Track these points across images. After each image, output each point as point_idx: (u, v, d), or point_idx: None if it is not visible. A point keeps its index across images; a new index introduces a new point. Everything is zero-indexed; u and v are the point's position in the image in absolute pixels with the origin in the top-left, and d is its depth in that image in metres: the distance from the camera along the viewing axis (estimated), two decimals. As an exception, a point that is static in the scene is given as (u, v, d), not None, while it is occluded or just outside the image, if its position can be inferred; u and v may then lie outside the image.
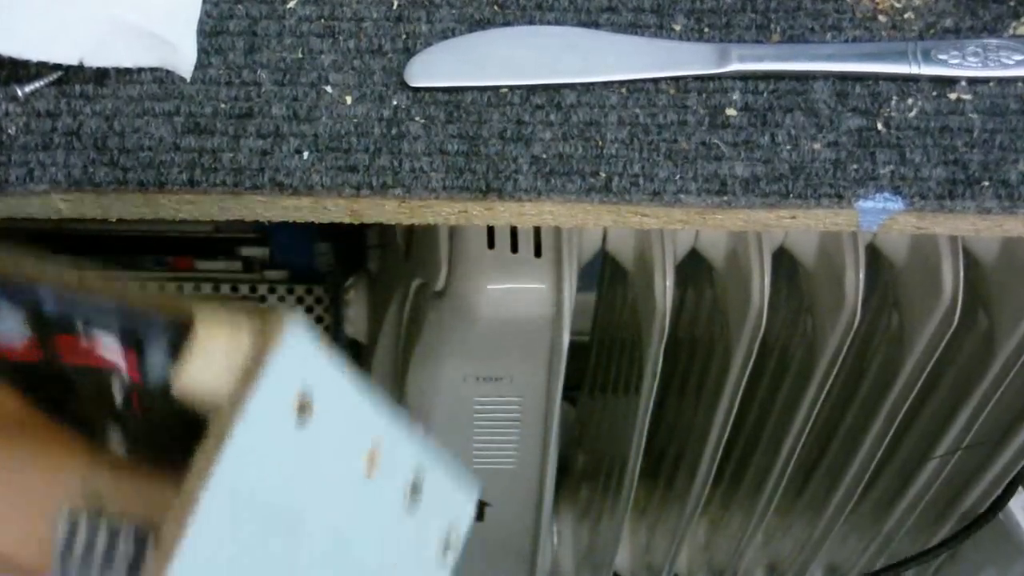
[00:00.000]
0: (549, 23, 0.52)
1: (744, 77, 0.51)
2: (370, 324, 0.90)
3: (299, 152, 0.47)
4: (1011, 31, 0.52)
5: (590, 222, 0.49)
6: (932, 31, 0.52)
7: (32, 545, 0.33)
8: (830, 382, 0.75)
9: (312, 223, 0.49)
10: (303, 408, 0.31)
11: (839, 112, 0.50)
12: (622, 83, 0.50)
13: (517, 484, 0.78)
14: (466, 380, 0.73)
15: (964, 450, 0.76)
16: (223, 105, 0.48)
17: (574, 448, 1.02)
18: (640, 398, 0.73)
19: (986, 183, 0.48)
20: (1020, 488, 0.70)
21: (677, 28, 0.52)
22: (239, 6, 0.51)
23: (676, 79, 0.50)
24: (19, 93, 0.47)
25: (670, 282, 0.64)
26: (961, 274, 0.62)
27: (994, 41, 0.51)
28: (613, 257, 0.69)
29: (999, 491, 0.66)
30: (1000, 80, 0.50)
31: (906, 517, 0.87)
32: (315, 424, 0.32)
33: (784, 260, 0.67)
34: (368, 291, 0.91)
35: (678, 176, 0.48)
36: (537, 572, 0.89)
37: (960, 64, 0.51)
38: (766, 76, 0.51)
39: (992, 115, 0.50)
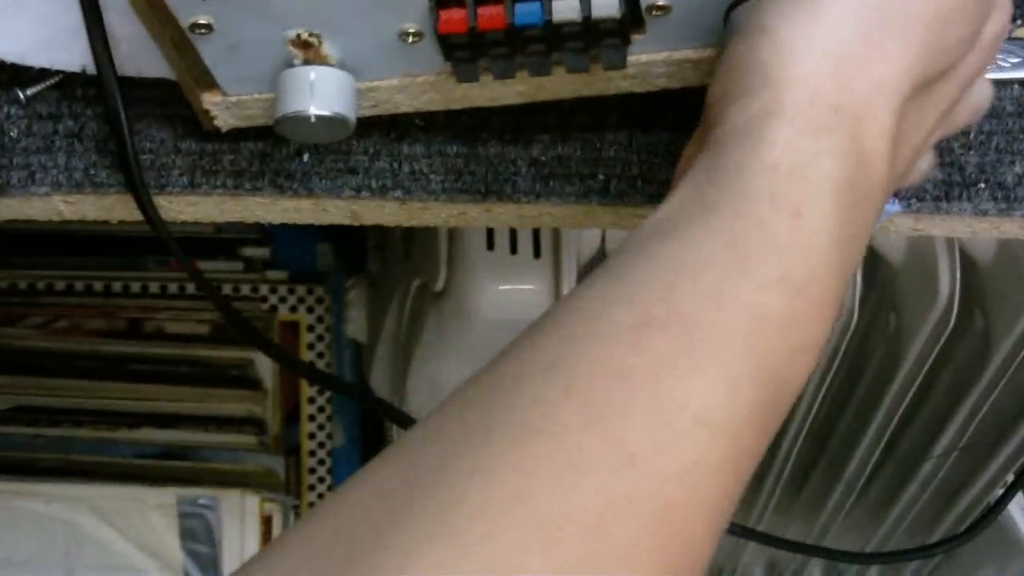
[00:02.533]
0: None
1: (742, 79, 0.51)
2: (370, 324, 0.90)
3: (299, 154, 0.47)
4: (1008, 34, 0.52)
5: (589, 224, 0.49)
6: (929, 34, 0.52)
7: None
8: (828, 382, 0.75)
9: (313, 224, 0.49)
10: None
11: (836, 114, 0.50)
12: (620, 85, 0.50)
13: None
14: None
15: (961, 450, 0.76)
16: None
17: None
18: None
19: (982, 185, 0.48)
20: (1020, 490, 0.70)
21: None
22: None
23: (674, 81, 0.50)
24: (21, 96, 0.47)
25: (669, 283, 0.64)
26: (958, 275, 0.62)
27: (991, 43, 0.51)
28: (612, 258, 0.69)
29: (1000, 493, 0.66)
30: (997, 82, 0.51)
31: (904, 516, 0.87)
32: None
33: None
34: (368, 291, 0.91)
35: (676, 178, 0.48)
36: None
37: (957, 66, 0.51)
38: (763, 78, 0.51)
39: (988, 117, 0.50)
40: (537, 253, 0.67)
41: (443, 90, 0.43)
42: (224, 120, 0.44)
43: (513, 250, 0.67)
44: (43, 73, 0.46)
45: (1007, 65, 0.51)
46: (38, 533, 1.04)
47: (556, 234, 0.67)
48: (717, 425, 0.29)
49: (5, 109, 0.47)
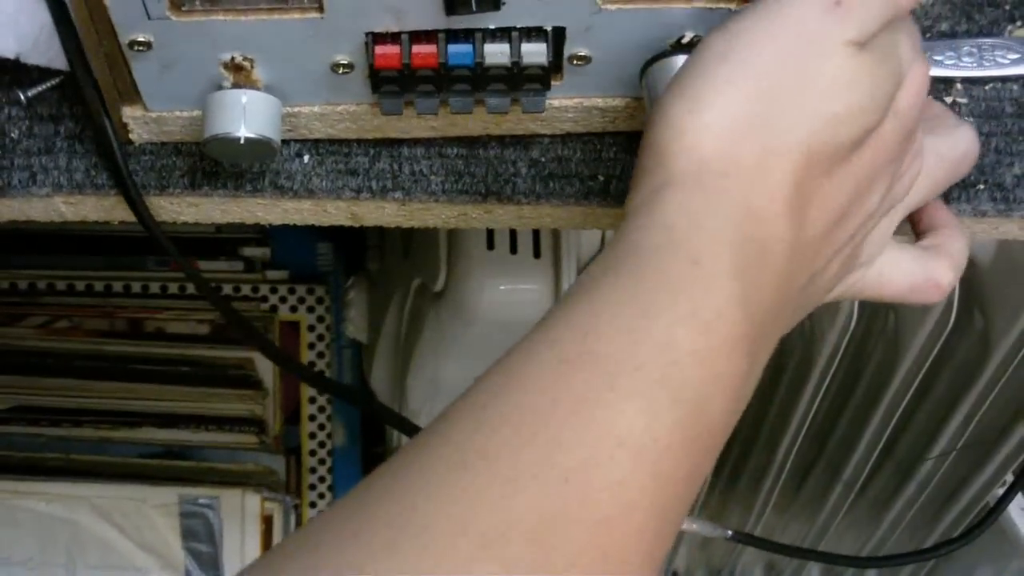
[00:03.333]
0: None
1: (741, 80, 0.51)
2: (370, 324, 0.91)
3: (299, 155, 0.47)
4: (1007, 35, 0.52)
5: (589, 225, 0.49)
6: (928, 35, 0.52)
7: None
8: (827, 382, 0.75)
9: (313, 224, 0.49)
10: None
11: (835, 115, 0.50)
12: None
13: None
14: (467, 381, 0.73)
15: (959, 450, 0.76)
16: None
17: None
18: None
19: (981, 186, 0.48)
20: (1019, 491, 0.70)
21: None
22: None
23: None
24: (22, 97, 0.47)
25: (668, 283, 0.64)
26: (957, 275, 0.62)
27: (989, 41, 0.51)
28: (612, 258, 0.69)
29: (999, 494, 0.67)
30: (995, 81, 0.51)
31: (902, 515, 0.87)
32: None
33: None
34: (368, 291, 0.91)
35: (675, 179, 0.48)
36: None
37: (955, 64, 0.51)
38: (763, 79, 0.51)
39: (988, 118, 0.50)
40: (537, 253, 0.67)
41: (360, 120, 0.45)
42: (140, 135, 0.46)
43: (513, 250, 0.67)
44: (44, 74, 0.46)
45: (1006, 62, 0.51)
46: (39, 532, 1.04)
47: (556, 234, 0.67)
48: (639, 448, 0.31)
49: (6, 110, 0.47)
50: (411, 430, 0.56)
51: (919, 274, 0.42)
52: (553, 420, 0.31)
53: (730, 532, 0.63)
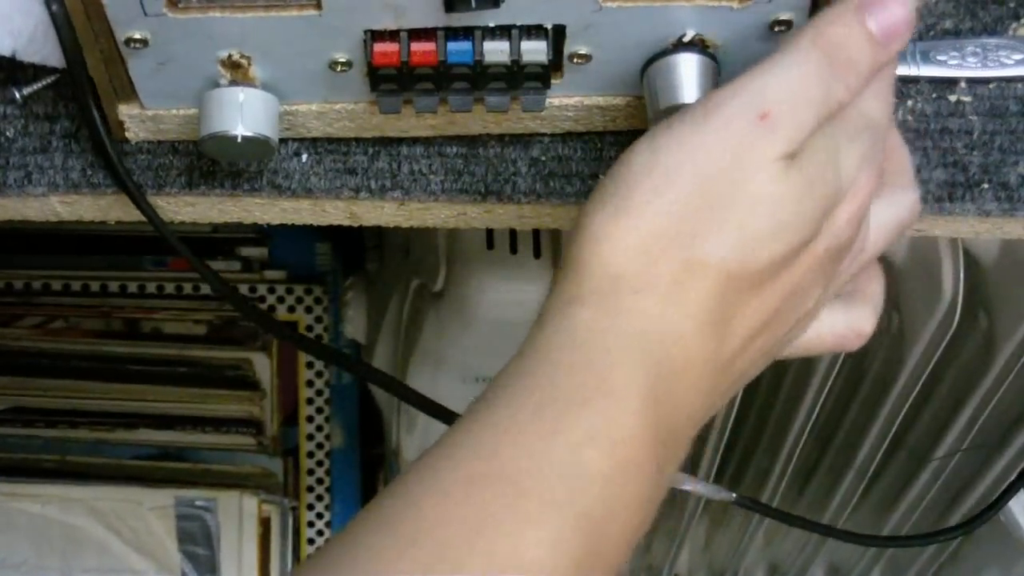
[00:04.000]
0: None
1: (744, 79, 0.50)
2: (369, 324, 0.90)
3: (297, 154, 0.47)
4: (1011, 32, 0.52)
5: (589, 224, 0.48)
6: (932, 33, 0.52)
7: None
8: (830, 382, 0.75)
9: (311, 224, 0.49)
10: None
11: (839, 114, 0.50)
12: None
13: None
14: (466, 381, 0.73)
15: (964, 452, 0.76)
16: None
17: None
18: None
19: (985, 185, 0.48)
20: (1022, 489, 0.70)
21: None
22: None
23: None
24: (17, 96, 0.47)
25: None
26: (961, 275, 0.62)
27: (993, 40, 0.51)
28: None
29: (1000, 491, 0.67)
30: (999, 81, 0.51)
31: (906, 519, 0.87)
32: None
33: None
34: (367, 291, 0.91)
35: (677, 178, 0.48)
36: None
37: (959, 64, 0.51)
38: (766, 78, 0.50)
39: (992, 117, 0.50)
40: (537, 253, 0.67)
41: (358, 119, 0.45)
42: (136, 133, 0.46)
43: (513, 250, 0.67)
44: (40, 72, 0.46)
45: (1010, 62, 0.51)
46: (35, 535, 1.04)
47: (556, 234, 0.67)
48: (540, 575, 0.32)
49: (1, 109, 0.47)
50: (412, 397, 0.55)
51: (846, 329, 0.42)
52: (458, 542, 0.32)
53: (734, 495, 0.63)
